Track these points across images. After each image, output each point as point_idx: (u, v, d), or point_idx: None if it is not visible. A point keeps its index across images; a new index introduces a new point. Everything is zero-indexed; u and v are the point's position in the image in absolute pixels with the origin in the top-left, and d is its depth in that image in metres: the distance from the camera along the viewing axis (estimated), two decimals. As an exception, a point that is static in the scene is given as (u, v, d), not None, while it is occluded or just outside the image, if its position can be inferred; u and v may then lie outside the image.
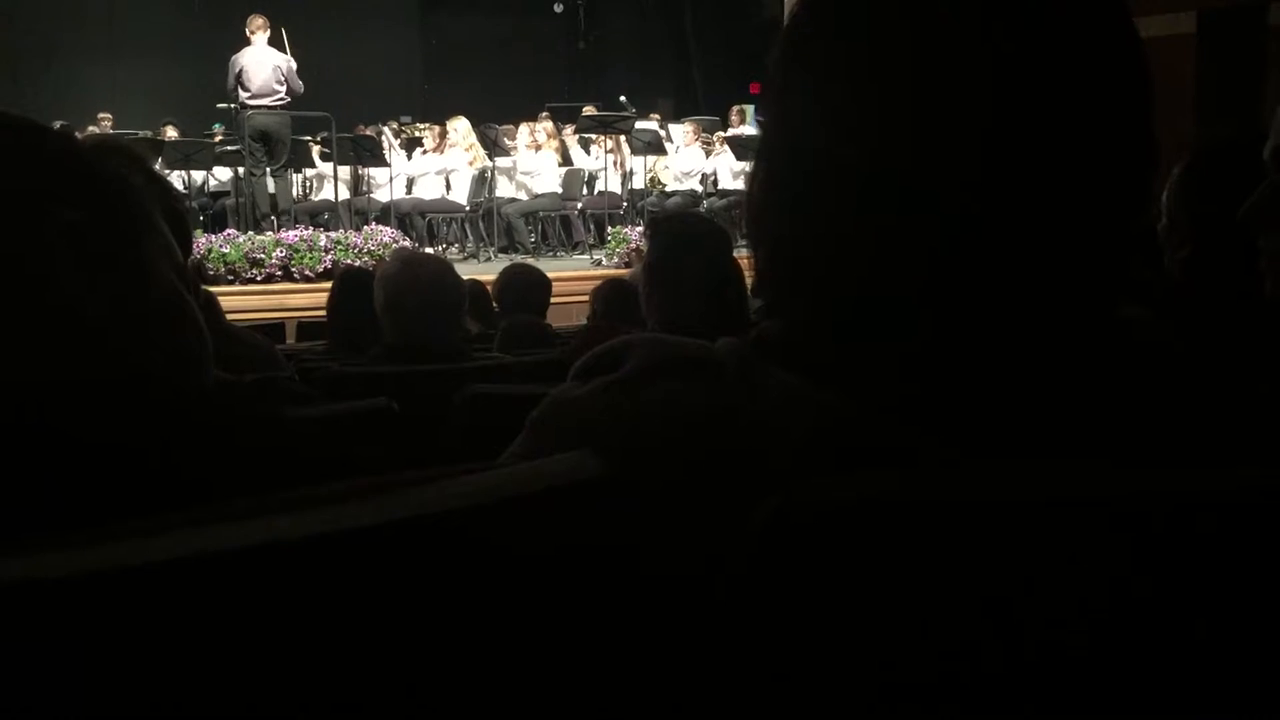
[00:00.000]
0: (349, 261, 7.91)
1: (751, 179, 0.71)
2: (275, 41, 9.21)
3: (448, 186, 10.44)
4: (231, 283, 8.05)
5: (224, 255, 8.14)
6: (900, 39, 0.62)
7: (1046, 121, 0.61)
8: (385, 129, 10.99)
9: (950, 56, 0.61)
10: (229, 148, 10.00)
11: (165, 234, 0.86)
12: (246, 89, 9.04)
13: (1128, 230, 0.65)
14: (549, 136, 10.53)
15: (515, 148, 10.44)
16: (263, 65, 9.08)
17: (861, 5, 0.65)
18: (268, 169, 9.34)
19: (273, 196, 9.58)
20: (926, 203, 0.62)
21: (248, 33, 9.17)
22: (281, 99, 9.12)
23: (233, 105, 9.60)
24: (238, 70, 9.10)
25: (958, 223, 0.62)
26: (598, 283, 4.06)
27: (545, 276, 4.55)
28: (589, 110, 10.82)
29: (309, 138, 10.11)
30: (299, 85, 9.21)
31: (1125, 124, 0.64)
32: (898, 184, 0.62)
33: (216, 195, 10.48)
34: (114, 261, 0.79)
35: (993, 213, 0.61)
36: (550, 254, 10.26)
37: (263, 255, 8.19)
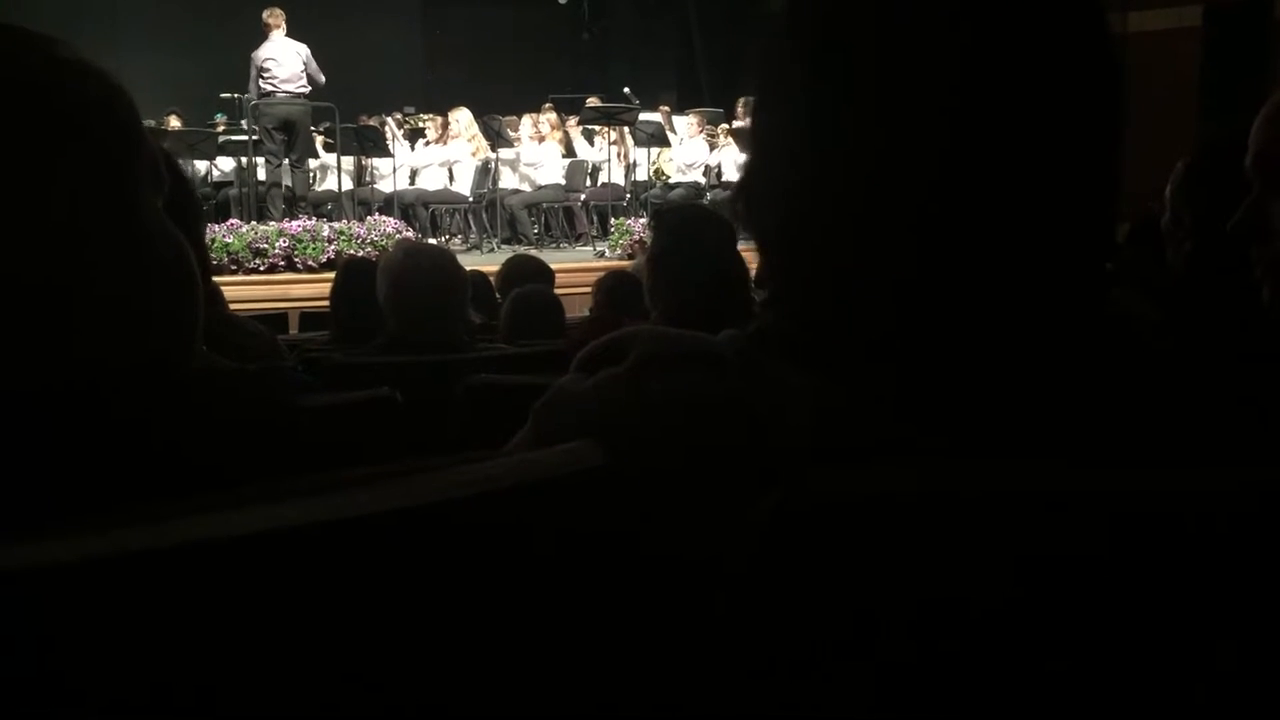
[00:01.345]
0: (352, 252, 7.91)
1: (748, 173, 0.71)
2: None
3: (450, 177, 10.43)
4: (234, 272, 8.05)
5: (227, 245, 8.13)
6: (884, 45, 0.63)
7: (1026, 122, 0.62)
8: (389, 119, 10.97)
9: (933, 61, 0.62)
10: (233, 137, 9.98)
11: (154, 157, 0.77)
12: (274, 78, 9.01)
13: (1108, 226, 0.66)
14: (552, 128, 10.52)
15: (519, 139, 10.42)
16: (288, 55, 9.06)
17: (846, 10, 0.66)
18: (285, 159, 9.31)
19: (289, 188, 9.55)
20: (916, 200, 0.62)
21: (266, 28, 9.13)
22: (303, 88, 9.11)
23: (237, 95, 9.54)
24: (261, 63, 9.07)
25: (948, 218, 0.62)
26: (600, 274, 4.06)
27: (548, 268, 4.55)
28: (593, 102, 10.80)
29: (313, 128, 10.10)
30: (320, 75, 9.18)
31: (1098, 122, 0.65)
32: (886, 181, 0.63)
33: (220, 185, 10.46)
34: (107, 210, 0.72)
35: (982, 207, 0.62)
36: (553, 245, 10.25)
37: (266, 245, 8.19)
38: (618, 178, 10.60)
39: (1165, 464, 0.60)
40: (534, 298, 3.61)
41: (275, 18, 9.12)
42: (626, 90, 12.02)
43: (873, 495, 0.57)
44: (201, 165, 10.24)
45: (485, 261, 7.21)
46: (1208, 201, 1.61)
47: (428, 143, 10.71)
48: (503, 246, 9.76)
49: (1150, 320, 0.68)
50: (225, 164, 10.38)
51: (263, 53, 9.08)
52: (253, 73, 9.11)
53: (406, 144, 10.81)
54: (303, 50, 9.12)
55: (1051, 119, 0.63)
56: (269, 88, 9.05)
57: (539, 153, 10.34)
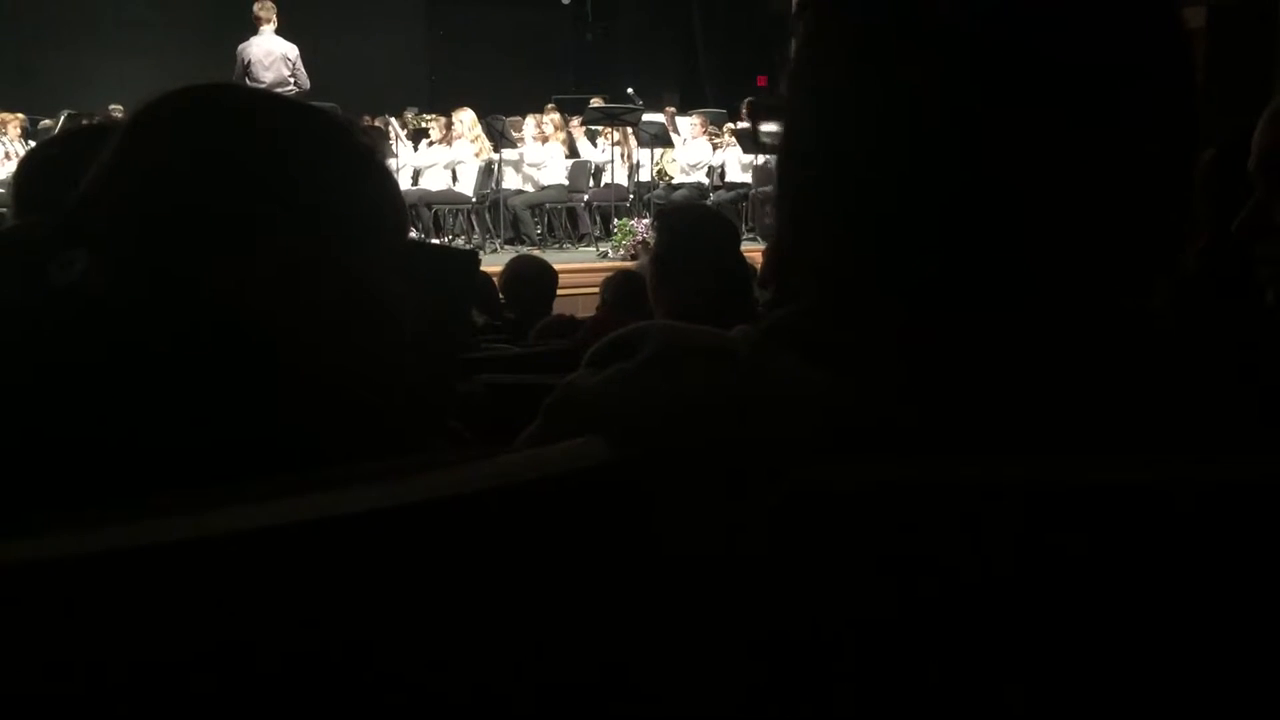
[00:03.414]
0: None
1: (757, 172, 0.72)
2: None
3: (454, 178, 10.44)
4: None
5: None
6: (905, 39, 0.63)
7: (1063, 107, 0.61)
8: (392, 120, 10.98)
9: (951, 54, 0.62)
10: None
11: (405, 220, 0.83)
12: (258, 82, 8.91)
13: (1157, 221, 0.65)
14: (556, 128, 10.53)
15: (522, 139, 10.43)
16: (273, 56, 8.98)
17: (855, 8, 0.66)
18: None
19: None
20: (931, 197, 0.62)
21: (257, 20, 9.06)
22: (289, 91, 9.04)
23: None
24: (246, 62, 9.00)
25: (962, 216, 0.62)
26: (604, 275, 4.07)
27: (551, 269, 4.55)
28: (596, 102, 10.81)
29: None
30: (306, 79, 9.11)
31: (1158, 112, 0.64)
32: (901, 178, 0.62)
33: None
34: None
35: (996, 204, 0.62)
36: (556, 246, 10.25)
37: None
38: (621, 178, 10.61)
39: (1163, 454, 0.60)
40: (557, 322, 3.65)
41: (266, 11, 9.00)
42: (630, 91, 12.03)
43: (882, 489, 0.57)
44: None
45: (489, 262, 7.19)
46: (1230, 198, 1.59)
47: (431, 143, 10.71)
48: (506, 247, 9.77)
49: (1156, 313, 0.68)
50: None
51: (251, 50, 8.97)
52: (238, 68, 8.98)
53: (410, 145, 10.81)
54: (291, 51, 9.01)
55: (1078, 115, 0.62)
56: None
57: (542, 153, 10.35)
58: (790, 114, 0.69)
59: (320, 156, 0.76)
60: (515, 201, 10.25)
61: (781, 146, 0.69)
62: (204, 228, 0.71)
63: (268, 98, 0.83)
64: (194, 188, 0.72)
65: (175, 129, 0.75)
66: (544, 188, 10.36)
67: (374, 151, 0.80)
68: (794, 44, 0.70)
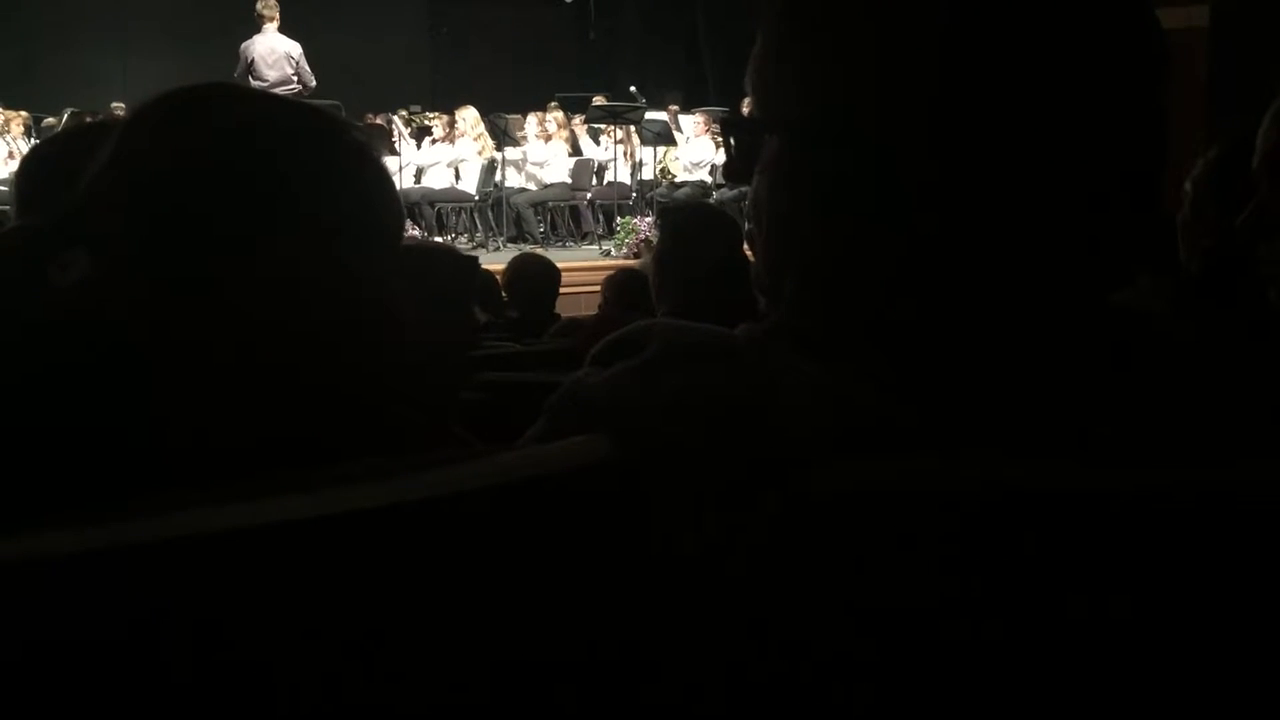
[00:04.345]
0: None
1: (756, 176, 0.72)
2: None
3: (457, 176, 10.44)
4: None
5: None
6: (882, 31, 0.63)
7: (1051, 107, 0.62)
8: (395, 118, 10.97)
9: (935, 51, 0.62)
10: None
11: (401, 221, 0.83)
12: (262, 80, 8.90)
13: (1139, 220, 0.66)
14: (559, 126, 10.53)
15: (525, 137, 10.43)
16: (276, 54, 8.96)
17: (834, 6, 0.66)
18: None
19: None
20: (927, 192, 0.62)
21: (260, 19, 9.03)
22: (294, 89, 9.02)
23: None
24: (249, 60, 8.97)
25: (958, 212, 0.62)
26: (606, 273, 4.06)
27: (554, 267, 4.54)
28: (599, 100, 10.80)
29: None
30: (310, 77, 9.08)
31: (1135, 109, 0.64)
32: (893, 173, 0.62)
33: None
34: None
35: (991, 199, 0.62)
36: (559, 244, 10.25)
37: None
38: (624, 177, 10.60)
39: (1174, 459, 0.59)
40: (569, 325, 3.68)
41: (270, 9, 8.97)
42: (633, 89, 12.01)
43: (882, 489, 0.57)
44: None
45: (492, 260, 7.20)
46: (1234, 197, 1.58)
47: (434, 141, 10.71)
48: (509, 245, 9.76)
49: (1161, 315, 0.68)
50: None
51: (253, 49, 8.94)
52: (241, 66, 8.96)
53: (413, 143, 10.80)
54: (294, 49, 8.97)
55: (1065, 105, 0.62)
56: (258, 88, 8.93)
57: (545, 151, 10.35)
58: (773, 116, 0.69)
59: (318, 156, 0.76)
60: (518, 200, 10.24)
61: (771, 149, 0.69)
62: (203, 228, 0.71)
63: (265, 97, 0.83)
64: (193, 188, 0.72)
65: (172, 129, 0.75)
66: (547, 186, 10.36)
67: (371, 150, 0.80)
68: (764, 37, 0.70)
